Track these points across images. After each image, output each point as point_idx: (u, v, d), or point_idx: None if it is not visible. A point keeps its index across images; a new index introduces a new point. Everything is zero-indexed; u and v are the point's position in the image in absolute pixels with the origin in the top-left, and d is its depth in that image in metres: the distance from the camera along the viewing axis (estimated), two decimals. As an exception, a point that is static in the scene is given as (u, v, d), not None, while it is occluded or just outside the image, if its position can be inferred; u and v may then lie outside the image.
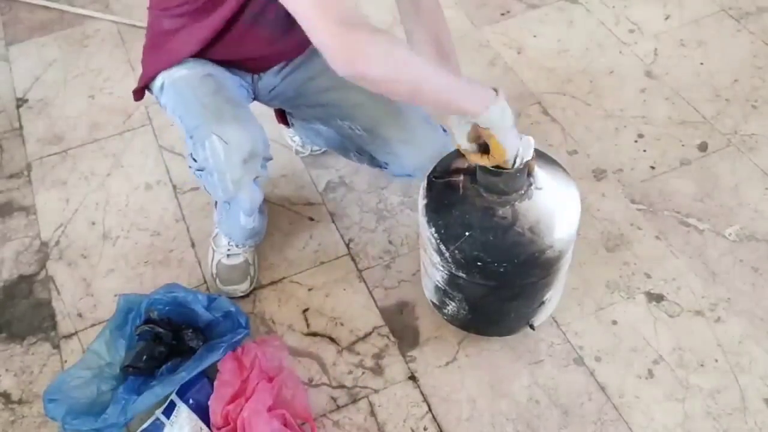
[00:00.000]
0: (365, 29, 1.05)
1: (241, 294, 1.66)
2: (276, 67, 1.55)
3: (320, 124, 1.66)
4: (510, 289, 1.36)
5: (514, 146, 1.21)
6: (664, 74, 2.09)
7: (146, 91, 1.53)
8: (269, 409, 1.39)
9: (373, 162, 1.62)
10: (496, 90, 1.18)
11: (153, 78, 1.47)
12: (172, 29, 1.44)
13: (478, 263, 1.29)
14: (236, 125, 1.34)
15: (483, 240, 1.28)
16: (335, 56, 1.04)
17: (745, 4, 2.27)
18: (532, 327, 1.47)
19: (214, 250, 1.70)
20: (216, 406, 1.41)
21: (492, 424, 1.45)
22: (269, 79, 1.57)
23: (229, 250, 1.67)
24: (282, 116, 1.83)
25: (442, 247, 1.31)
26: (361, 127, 1.54)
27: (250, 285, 1.67)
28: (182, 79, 1.42)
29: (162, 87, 1.45)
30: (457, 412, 1.47)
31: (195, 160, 1.40)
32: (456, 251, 1.30)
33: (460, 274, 1.33)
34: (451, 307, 1.45)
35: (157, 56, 1.48)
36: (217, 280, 1.68)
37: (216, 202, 1.67)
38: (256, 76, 1.55)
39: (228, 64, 1.48)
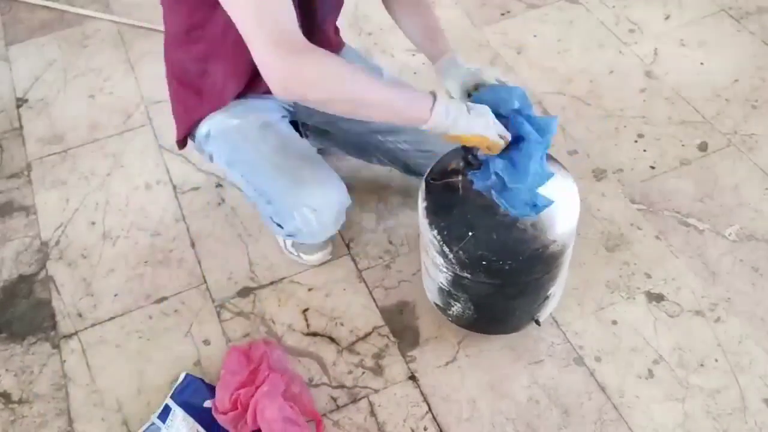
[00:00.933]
0: (302, 51, 1.05)
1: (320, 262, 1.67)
2: None
3: (357, 139, 1.61)
4: (515, 286, 1.36)
5: (485, 126, 1.15)
6: (664, 74, 2.09)
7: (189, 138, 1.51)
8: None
9: (408, 170, 1.61)
10: (433, 93, 1.14)
11: (194, 125, 1.44)
12: (200, 70, 1.39)
13: (483, 262, 1.29)
14: (320, 189, 1.33)
15: (486, 239, 1.28)
16: (270, 76, 1.05)
17: (745, 4, 2.27)
18: (537, 322, 1.47)
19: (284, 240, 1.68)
20: (223, 392, 1.42)
21: (492, 424, 1.45)
22: None
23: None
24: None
25: (446, 249, 1.31)
26: (407, 140, 1.54)
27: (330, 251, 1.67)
28: (235, 131, 1.39)
29: (208, 135, 1.42)
30: (457, 412, 1.47)
31: (281, 227, 1.38)
32: (460, 252, 1.30)
33: (465, 274, 1.33)
34: (456, 308, 1.45)
35: (194, 99, 1.43)
36: (298, 252, 1.66)
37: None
38: None
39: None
